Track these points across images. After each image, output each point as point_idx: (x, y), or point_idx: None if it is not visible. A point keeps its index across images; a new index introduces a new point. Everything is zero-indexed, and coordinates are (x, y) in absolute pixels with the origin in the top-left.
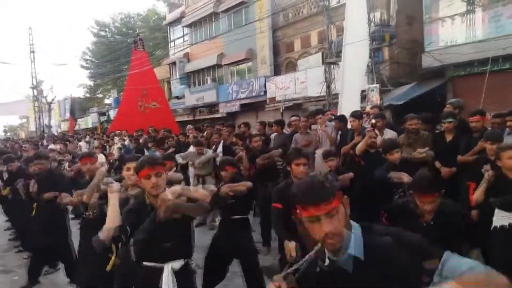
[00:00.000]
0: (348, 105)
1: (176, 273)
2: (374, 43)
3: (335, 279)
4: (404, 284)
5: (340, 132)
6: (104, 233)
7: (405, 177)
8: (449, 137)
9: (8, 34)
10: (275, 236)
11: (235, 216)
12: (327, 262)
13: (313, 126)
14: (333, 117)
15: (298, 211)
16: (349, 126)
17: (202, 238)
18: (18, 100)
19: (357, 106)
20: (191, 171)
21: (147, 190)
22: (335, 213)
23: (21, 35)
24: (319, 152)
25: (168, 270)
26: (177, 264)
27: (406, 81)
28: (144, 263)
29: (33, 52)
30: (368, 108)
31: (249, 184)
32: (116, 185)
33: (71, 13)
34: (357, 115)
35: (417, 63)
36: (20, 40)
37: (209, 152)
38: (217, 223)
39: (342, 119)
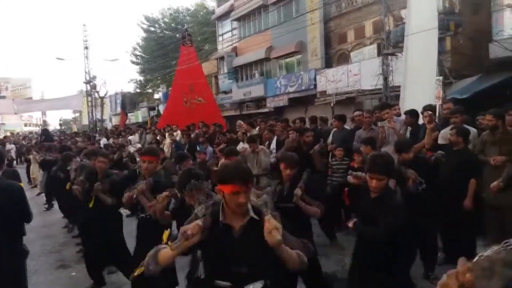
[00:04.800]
0: (416, 99)
1: None
2: (438, 32)
3: None
4: None
5: (410, 129)
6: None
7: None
8: None
9: (64, 31)
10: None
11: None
12: None
13: (379, 123)
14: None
15: None
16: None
17: None
18: (72, 95)
19: (428, 100)
20: None
21: (229, 206)
22: None
23: (76, 32)
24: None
25: None
26: (257, 286)
27: (469, 73)
28: (217, 281)
29: (86, 48)
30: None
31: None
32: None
33: (123, 9)
34: (432, 109)
35: (482, 53)
36: (74, 37)
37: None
38: None
39: (413, 114)
